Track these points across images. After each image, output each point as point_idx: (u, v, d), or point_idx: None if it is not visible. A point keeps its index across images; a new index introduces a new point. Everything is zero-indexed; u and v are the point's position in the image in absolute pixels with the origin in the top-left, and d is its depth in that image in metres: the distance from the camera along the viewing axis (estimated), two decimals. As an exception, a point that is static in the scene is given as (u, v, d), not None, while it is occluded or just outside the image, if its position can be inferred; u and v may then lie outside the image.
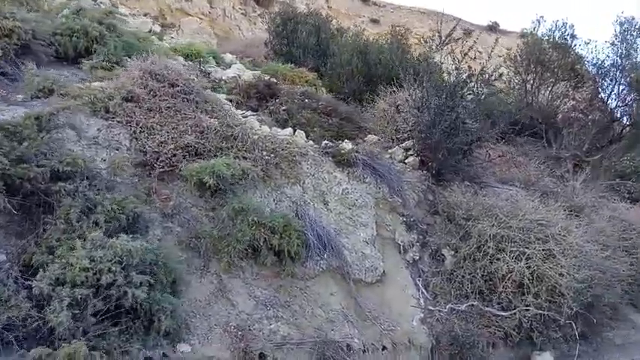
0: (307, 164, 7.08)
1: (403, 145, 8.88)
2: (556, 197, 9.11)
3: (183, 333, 4.52)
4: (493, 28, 27.15)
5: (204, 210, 5.60)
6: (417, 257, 7.21)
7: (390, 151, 8.87)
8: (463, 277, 6.91)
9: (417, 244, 7.35)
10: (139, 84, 6.48)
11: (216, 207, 5.58)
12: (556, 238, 6.77)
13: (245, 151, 6.39)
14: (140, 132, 5.83)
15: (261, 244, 5.44)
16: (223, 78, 9.71)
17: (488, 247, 6.86)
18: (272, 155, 6.70)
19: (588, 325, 7.29)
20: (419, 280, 6.86)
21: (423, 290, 6.73)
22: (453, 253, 7.31)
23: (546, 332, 6.62)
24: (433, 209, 8.02)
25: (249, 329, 4.95)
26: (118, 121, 5.84)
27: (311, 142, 7.67)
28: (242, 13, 26.09)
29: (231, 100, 8.79)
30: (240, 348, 4.66)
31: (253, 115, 8.34)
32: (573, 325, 6.85)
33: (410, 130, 8.47)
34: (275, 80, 9.63)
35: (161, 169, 5.65)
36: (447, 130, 7.76)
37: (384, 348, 5.76)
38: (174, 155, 5.75)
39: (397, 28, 14.89)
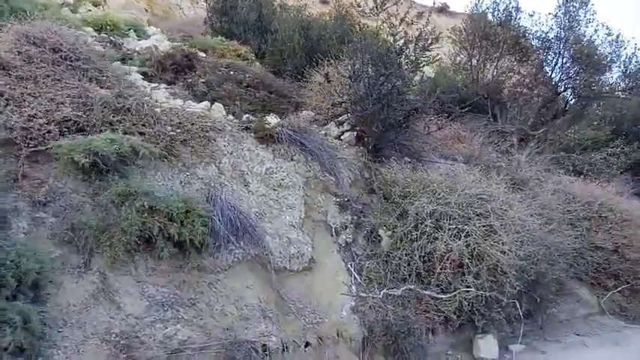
0: (224, 141, 6.24)
1: (338, 119, 8.18)
2: (499, 171, 8.70)
3: (44, 347, 3.64)
4: (443, 9, 26.92)
5: (87, 196, 4.67)
6: (351, 240, 6.55)
7: (325, 127, 8.16)
8: (400, 258, 6.30)
9: (351, 225, 6.68)
10: (10, 49, 5.41)
11: (99, 192, 4.65)
12: (497, 213, 6.26)
13: (143, 125, 5.48)
14: (6, 104, 4.80)
15: (156, 233, 4.57)
16: (137, 49, 8.63)
17: (426, 225, 6.28)
18: (178, 131, 5.83)
19: (533, 302, 6.90)
20: (351, 265, 6.21)
21: (356, 275, 6.09)
22: (389, 233, 6.70)
23: (489, 314, 6.13)
24: (369, 187, 7.37)
25: (137, 336, 4.11)
26: (-24, 92, 4.79)
27: (231, 117, 6.83)
28: (183, -9, 24.72)
29: (144, 73, 7.80)
30: (121, 359, 3.82)
31: (167, 88, 7.39)
32: (517, 304, 6.42)
33: (344, 102, 7.74)
34: (196, 51, 8.64)
35: (32, 149, 4.66)
36: (382, 101, 7.08)
37: (307, 344, 5.07)
38: (49, 131, 4.76)
39: (342, 3, 14.18)
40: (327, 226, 6.53)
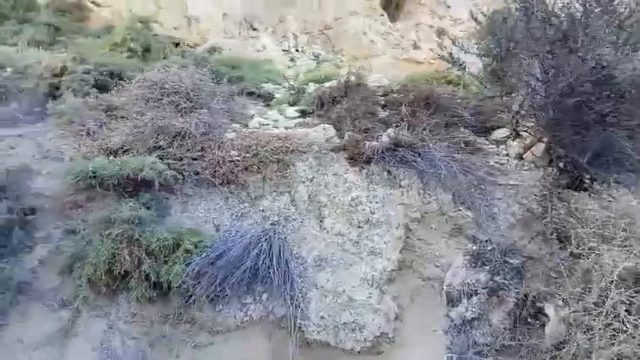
0: (305, 165, 4.91)
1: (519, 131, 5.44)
2: None
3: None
4: None
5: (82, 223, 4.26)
6: (475, 314, 3.85)
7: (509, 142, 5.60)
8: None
9: (484, 290, 3.97)
10: (130, 94, 5.89)
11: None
12: None
13: (201, 150, 4.86)
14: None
15: (130, 269, 3.71)
16: (309, 91, 8.38)
17: (613, 300, 3.04)
18: (247, 155, 4.91)
19: None
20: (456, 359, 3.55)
21: (457, 380, 3.42)
22: (564, 312, 3.61)
23: None
24: (549, 231, 4.34)
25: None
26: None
27: (335, 138, 5.41)
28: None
29: (302, 111, 7.42)
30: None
31: (299, 117, 6.71)
32: None
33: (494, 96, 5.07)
34: (358, 81, 7.60)
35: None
36: (561, 79, 4.16)
37: None
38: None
39: None
40: (439, 288, 4.09)
